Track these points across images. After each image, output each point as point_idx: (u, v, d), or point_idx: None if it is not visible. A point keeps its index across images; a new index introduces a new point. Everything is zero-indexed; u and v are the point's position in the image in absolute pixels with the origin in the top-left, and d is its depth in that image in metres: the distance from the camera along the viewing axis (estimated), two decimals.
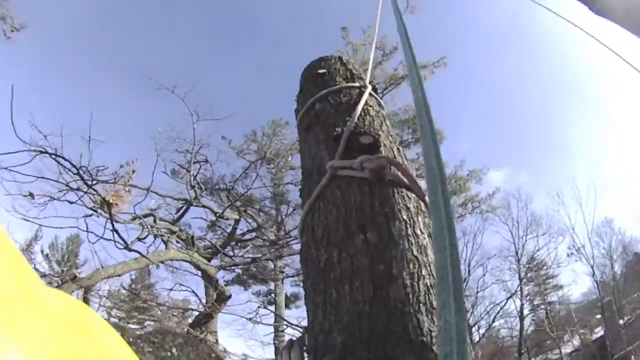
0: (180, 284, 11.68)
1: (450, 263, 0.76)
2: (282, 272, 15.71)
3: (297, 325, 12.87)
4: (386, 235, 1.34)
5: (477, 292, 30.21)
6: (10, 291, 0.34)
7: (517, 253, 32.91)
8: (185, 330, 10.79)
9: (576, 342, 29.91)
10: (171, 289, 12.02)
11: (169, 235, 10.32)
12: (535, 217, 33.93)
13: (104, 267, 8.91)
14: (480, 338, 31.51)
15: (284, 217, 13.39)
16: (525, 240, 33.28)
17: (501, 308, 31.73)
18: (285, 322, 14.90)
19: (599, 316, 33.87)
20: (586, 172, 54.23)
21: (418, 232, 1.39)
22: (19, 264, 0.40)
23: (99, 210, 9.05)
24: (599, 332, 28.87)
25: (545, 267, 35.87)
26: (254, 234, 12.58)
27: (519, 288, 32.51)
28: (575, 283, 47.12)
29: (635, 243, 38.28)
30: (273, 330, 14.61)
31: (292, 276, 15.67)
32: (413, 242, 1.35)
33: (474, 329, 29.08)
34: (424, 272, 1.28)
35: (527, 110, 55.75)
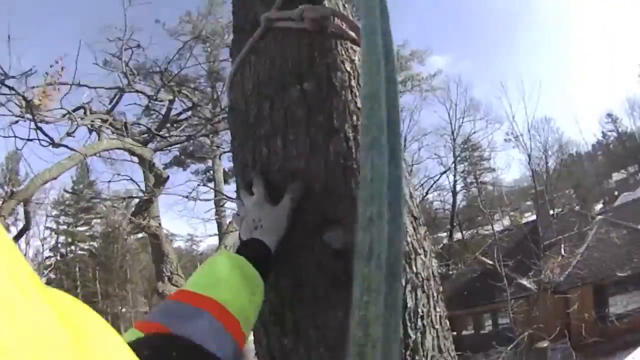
0: (119, 174, 11.45)
1: (385, 92, 0.61)
2: (219, 147, 15.52)
3: (235, 199, 12.76)
4: (326, 86, 1.24)
5: (412, 165, 31.31)
6: (10, 291, 0.33)
7: (453, 133, 34.44)
8: (128, 219, 10.89)
9: (506, 222, 31.81)
10: (110, 181, 11.75)
11: (101, 125, 9.92)
12: (475, 102, 35.29)
13: (38, 174, 8.54)
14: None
15: (219, 93, 12.96)
16: (462, 122, 34.74)
17: (435, 182, 34.18)
18: (224, 197, 15.07)
19: (529, 203, 35.80)
20: (532, 70, 55.69)
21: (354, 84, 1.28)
22: (18, 263, 0.37)
23: (27, 116, 8.48)
24: (529, 217, 30.43)
25: (480, 149, 37.62)
26: (189, 113, 12.21)
27: (453, 165, 34.50)
28: (509, 168, 49.80)
29: (572, 145, 39.98)
30: (214, 206, 14.83)
31: (229, 151, 15.10)
32: (357, 94, 1.24)
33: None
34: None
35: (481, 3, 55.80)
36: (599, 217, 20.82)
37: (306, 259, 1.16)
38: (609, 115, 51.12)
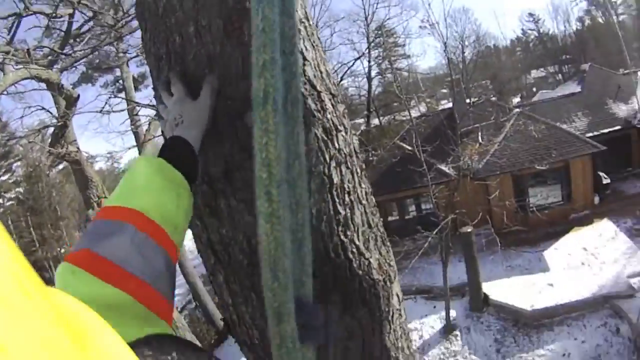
0: (29, 107, 11.33)
1: None
2: (125, 53, 14.60)
3: (149, 105, 13.32)
4: None
5: (325, 50, 31.01)
6: (10, 291, 0.34)
7: (366, 19, 34.24)
8: (47, 151, 10.98)
9: (423, 109, 32.02)
10: (22, 117, 12.53)
11: (4, 59, 9.11)
12: None
13: None
14: None
15: None
16: (376, 8, 34.64)
17: (349, 68, 34.15)
18: (137, 105, 15.14)
19: (445, 90, 36.51)
20: None
21: None
22: (18, 263, 0.38)
23: None
24: (445, 104, 30.83)
25: (395, 36, 38.14)
26: (91, 24, 11.41)
27: (367, 50, 34.50)
28: (424, 55, 50.55)
29: (489, 38, 40.52)
30: (128, 116, 15.08)
31: (136, 56, 14.66)
32: None
33: None
34: None
35: None
36: (517, 109, 21.05)
37: (231, 144, 1.15)
38: (531, 14, 52.27)
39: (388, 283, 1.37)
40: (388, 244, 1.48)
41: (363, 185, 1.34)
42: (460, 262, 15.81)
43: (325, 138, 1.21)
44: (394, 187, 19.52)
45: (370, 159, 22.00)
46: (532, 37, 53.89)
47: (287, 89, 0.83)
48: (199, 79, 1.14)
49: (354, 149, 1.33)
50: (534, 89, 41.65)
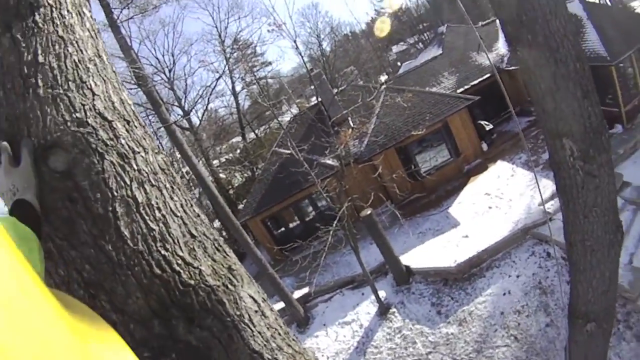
0: None
1: None
2: None
3: None
4: (32, 24, 1.31)
5: (186, 79, 33.04)
6: (12, 292, 0.34)
7: (220, 36, 34.72)
8: None
9: (295, 110, 32.39)
10: None
11: None
12: (237, 0, 35.72)
13: None
14: (200, 122, 34.49)
15: None
16: (228, 23, 36.34)
17: (213, 89, 34.42)
18: None
19: (313, 87, 37.30)
20: None
21: (65, 12, 1.40)
22: (21, 265, 0.39)
23: None
24: (315, 101, 31.59)
25: (251, 46, 38.63)
26: None
27: (226, 67, 34.65)
28: (283, 59, 51.14)
29: (345, 26, 41.56)
30: None
31: None
32: (59, 23, 1.36)
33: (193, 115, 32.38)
34: (70, 49, 1.34)
35: None
36: (383, 86, 21.65)
37: (44, 189, 1.20)
38: None
39: (230, 287, 1.41)
40: (224, 248, 1.52)
41: (176, 199, 1.40)
42: (371, 244, 16.15)
43: (122, 162, 1.28)
44: (285, 193, 19.75)
45: (256, 173, 21.92)
46: (386, 15, 55.59)
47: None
48: (15, 137, 1.22)
49: (159, 167, 1.41)
50: (399, 63, 42.79)
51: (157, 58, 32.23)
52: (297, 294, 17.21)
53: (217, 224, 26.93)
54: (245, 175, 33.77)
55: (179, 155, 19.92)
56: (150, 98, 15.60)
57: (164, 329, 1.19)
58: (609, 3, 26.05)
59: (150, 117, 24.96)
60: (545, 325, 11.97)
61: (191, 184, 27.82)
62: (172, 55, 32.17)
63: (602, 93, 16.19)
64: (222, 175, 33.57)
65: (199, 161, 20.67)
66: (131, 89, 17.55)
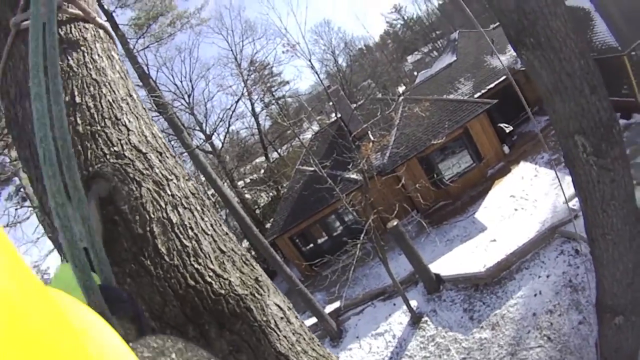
0: None
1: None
2: (17, 159, 14.10)
3: None
4: (67, 69, 1.47)
5: (206, 103, 32.69)
6: (9, 292, 0.35)
7: (236, 59, 34.79)
8: None
9: (316, 127, 32.61)
10: None
11: None
12: (250, 23, 36.25)
13: None
14: (222, 144, 34.26)
15: None
16: (243, 46, 35.90)
17: (233, 112, 34.37)
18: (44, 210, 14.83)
19: (332, 103, 37.59)
20: None
21: (96, 57, 1.57)
22: (18, 264, 0.40)
23: None
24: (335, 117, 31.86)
25: (268, 67, 38.56)
26: None
27: (244, 90, 34.71)
28: (300, 78, 51.58)
29: (359, 41, 41.79)
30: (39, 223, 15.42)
31: None
32: (91, 67, 1.52)
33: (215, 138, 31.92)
34: (104, 90, 1.50)
35: None
36: (401, 97, 21.80)
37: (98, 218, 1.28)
38: (395, 7, 54.23)
39: (257, 295, 1.52)
40: (251, 262, 1.64)
41: (206, 219, 1.54)
42: (400, 255, 16.32)
43: (157, 188, 1.42)
44: (311, 210, 19.99)
45: (282, 192, 22.15)
46: (399, 26, 55.90)
47: (63, 151, 1.01)
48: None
49: (190, 191, 1.55)
50: (415, 73, 42.79)
51: (175, 84, 32.67)
52: (329, 309, 17.36)
53: (245, 244, 27.22)
54: (271, 194, 34.07)
55: (203, 179, 20.13)
56: (171, 124, 16.08)
57: (198, 333, 1.32)
58: None
59: (172, 142, 25.30)
60: (578, 323, 11.98)
61: (217, 205, 28.08)
62: (190, 81, 32.61)
63: (618, 84, 16.25)
64: (247, 196, 33.83)
65: (223, 183, 20.96)
66: (153, 117, 17.94)
